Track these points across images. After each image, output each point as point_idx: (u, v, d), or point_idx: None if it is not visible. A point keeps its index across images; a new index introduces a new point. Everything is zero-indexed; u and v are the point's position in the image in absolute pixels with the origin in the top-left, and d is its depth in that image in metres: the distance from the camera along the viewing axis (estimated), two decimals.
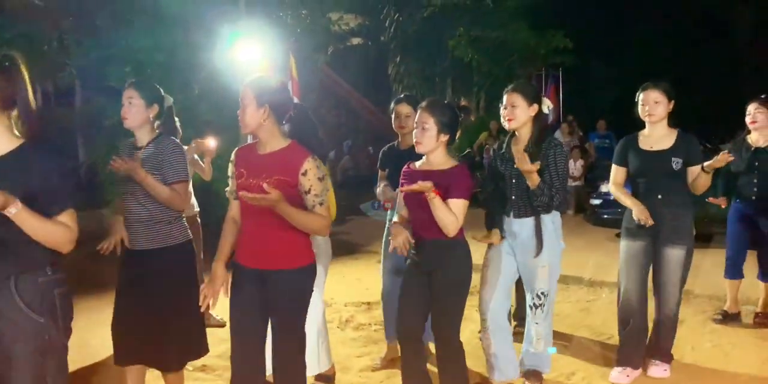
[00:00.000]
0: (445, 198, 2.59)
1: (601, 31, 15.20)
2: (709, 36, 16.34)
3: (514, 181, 3.06)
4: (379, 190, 3.48)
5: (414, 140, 2.73)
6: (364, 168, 13.35)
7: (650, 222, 3.22)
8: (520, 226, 3.07)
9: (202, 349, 2.97)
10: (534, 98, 3.03)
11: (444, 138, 2.67)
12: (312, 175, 2.35)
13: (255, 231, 2.44)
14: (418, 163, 2.81)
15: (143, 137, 2.86)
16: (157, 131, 2.90)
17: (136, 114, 2.82)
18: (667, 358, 3.43)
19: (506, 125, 3.09)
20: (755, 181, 4.10)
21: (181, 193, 2.78)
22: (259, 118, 2.37)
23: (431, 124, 2.65)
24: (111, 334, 2.88)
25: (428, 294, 2.72)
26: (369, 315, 4.72)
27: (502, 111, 3.09)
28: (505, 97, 3.06)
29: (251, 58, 6.52)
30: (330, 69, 13.18)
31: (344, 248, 7.24)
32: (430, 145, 2.68)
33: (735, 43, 16.85)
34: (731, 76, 15.87)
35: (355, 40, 13.72)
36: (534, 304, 3.10)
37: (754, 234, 4.19)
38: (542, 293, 3.08)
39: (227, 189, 2.56)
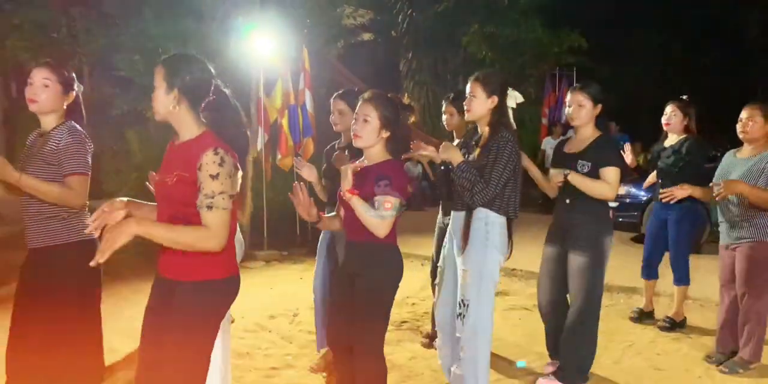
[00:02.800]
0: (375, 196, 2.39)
1: (612, 33, 15.06)
2: (719, 39, 16.17)
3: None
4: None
5: (352, 133, 2.51)
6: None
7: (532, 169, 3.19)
8: (456, 220, 2.92)
9: (87, 376, 2.56)
10: (495, 90, 2.85)
11: (385, 134, 2.48)
12: (204, 171, 1.96)
13: None
14: (359, 161, 2.60)
15: (49, 124, 2.57)
16: (62, 120, 2.60)
17: (49, 99, 2.52)
18: (568, 379, 3.17)
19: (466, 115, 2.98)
20: (660, 180, 4.25)
21: (74, 188, 2.47)
22: (168, 103, 2.04)
23: (374, 118, 2.45)
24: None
25: (353, 299, 2.52)
26: None
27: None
28: (468, 86, 2.93)
29: (264, 50, 6.42)
30: (341, 64, 13.03)
31: None
32: (370, 140, 2.47)
33: (744, 46, 16.66)
34: (741, 80, 15.71)
35: (367, 35, 13.56)
36: (456, 312, 2.84)
37: (669, 236, 4.28)
38: (463, 301, 2.79)
39: None
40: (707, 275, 5.52)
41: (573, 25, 12.52)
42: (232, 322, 4.35)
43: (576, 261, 3.14)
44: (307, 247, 6.68)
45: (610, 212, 3.29)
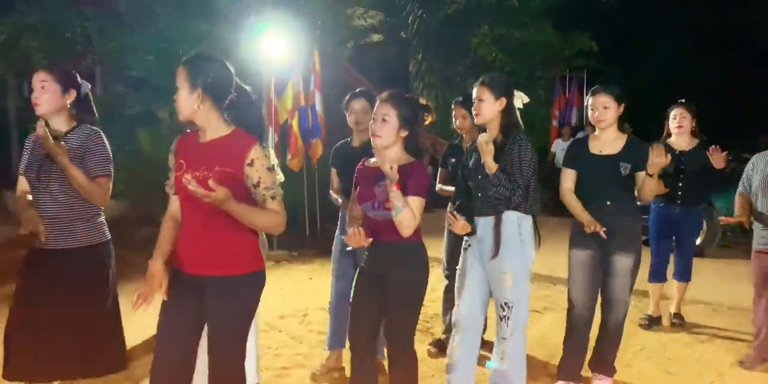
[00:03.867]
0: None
1: (623, 36, 15.00)
2: (729, 45, 16.06)
3: (479, 176, 2.89)
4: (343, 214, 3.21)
5: (371, 133, 2.52)
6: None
7: (601, 231, 3.03)
8: (483, 226, 2.88)
9: (115, 362, 2.65)
10: (502, 91, 2.86)
11: (403, 133, 2.50)
12: (260, 166, 2.08)
13: (198, 231, 2.14)
14: (372, 160, 2.62)
15: (60, 126, 2.58)
16: (74, 121, 2.62)
17: (50, 100, 2.54)
18: (610, 371, 3.34)
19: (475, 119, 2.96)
20: (680, 184, 4.22)
21: (104, 188, 2.53)
22: (192, 103, 2.08)
23: (392, 117, 2.46)
24: (3, 345, 2.57)
25: (381, 299, 2.53)
26: None
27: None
28: (474, 90, 2.92)
29: (275, 51, 6.44)
30: (350, 65, 13.06)
31: None
32: (389, 139, 2.48)
33: (755, 52, 16.54)
34: (751, 85, 15.60)
35: (376, 37, 13.57)
36: (500, 315, 2.87)
37: (677, 235, 4.34)
38: (506, 304, 2.83)
39: (167, 182, 2.27)
40: (719, 279, 5.50)
41: (583, 28, 12.48)
42: None
43: (623, 262, 3.17)
44: (317, 248, 6.69)
45: None
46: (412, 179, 2.43)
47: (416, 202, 2.42)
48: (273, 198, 2.12)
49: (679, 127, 4.24)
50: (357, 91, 3.40)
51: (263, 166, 2.08)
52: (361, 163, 2.68)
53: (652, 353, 3.90)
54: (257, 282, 2.22)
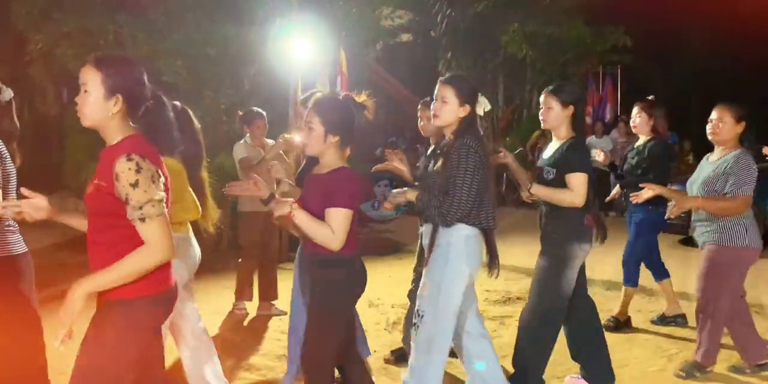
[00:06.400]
0: (325, 206, 2.31)
1: (658, 30, 14.64)
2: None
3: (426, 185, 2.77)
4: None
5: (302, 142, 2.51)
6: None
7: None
8: (425, 233, 2.78)
9: None
10: (468, 98, 2.66)
11: (333, 139, 2.40)
12: (124, 180, 1.80)
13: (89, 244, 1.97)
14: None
15: None
16: None
17: None
18: (521, 380, 2.98)
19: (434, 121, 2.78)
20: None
21: None
22: (107, 109, 1.86)
23: (317, 124, 2.39)
24: None
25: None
26: None
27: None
28: (437, 88, 2.73)
29: (302, 53, 6.48)
30: (379, 65, 13.06)
31: (389, 248, 7.11)
32: (316, 147, 2.42)
33: None
34: None
35: (405, 37, 13.56)
36: (413, 320, 2.74)
37: None
38: (418, 312, 2.68)
39: None
40: (762, 281, 5.29)
41: (617, 23, 12.23)
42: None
43: (539, 264, 3.07)
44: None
45: (586, 217, 3.00)
46: (333, 189, 2.33)
47: (339, 215, 2.29)
48: (141, 220, 1.81)
49: (633, 126, 4.23)
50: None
51: (126, 182, 1.80)
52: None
53: (687, 358, 3.77)
54: (129, 312, 1.87)
